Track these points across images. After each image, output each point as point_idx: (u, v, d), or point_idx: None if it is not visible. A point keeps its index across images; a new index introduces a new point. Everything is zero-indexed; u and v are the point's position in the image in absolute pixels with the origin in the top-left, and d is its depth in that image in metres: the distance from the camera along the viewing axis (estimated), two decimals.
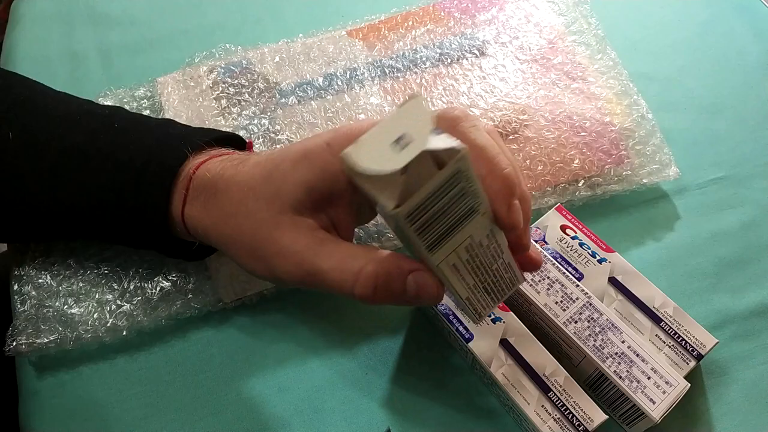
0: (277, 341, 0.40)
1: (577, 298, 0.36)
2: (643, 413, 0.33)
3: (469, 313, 0.31)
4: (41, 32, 0.55)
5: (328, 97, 0.47)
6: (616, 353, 0.35)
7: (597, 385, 0.36)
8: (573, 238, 0.40)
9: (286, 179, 0.31)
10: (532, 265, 0.32)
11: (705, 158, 0.46)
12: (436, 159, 0.23)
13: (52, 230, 0.39)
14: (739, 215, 0.44)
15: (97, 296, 0.40)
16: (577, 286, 0.37)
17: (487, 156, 0.28)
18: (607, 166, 0.44)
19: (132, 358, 0.39)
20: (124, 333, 0.39)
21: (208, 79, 0.48)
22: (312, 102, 0.47)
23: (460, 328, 0.36)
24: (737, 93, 0.49)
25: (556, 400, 0.33)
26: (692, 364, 0.35)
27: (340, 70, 0.49)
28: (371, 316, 0.40)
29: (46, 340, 0.38)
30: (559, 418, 0.33)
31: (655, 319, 0.37)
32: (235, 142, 0.38)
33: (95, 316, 0.39)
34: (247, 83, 0.48)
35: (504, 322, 0.36)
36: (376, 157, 0.22)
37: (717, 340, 0.36)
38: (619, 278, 0.38)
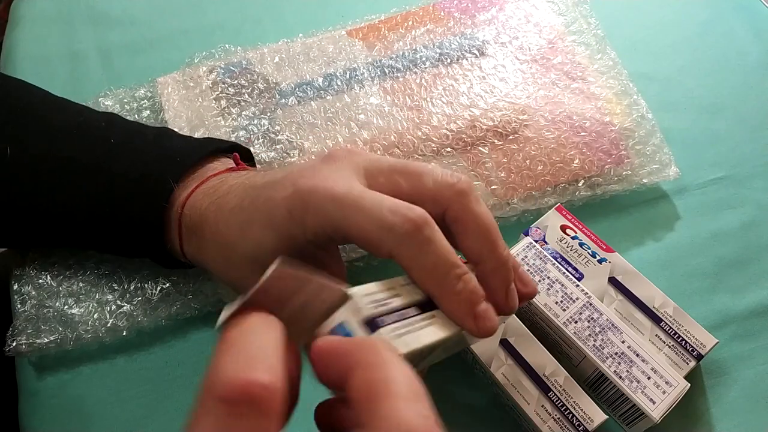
0: None
1: (577, 298, 0.36)
2: (643, 413, 0.33)
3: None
4: (41, 32, 0.55)
5: (328, 98, 0.47)
6: (616, 353, 0.35)
7: (597, 385, 0.36)
8: (573, 238, 0.40)
9: (260, 245, 0.30)
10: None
11: (705, 158, 0.46)
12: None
13: (47, 240, 0.39)
14: (739, 215, 0.44)
15: (97, 296, 0.40)
16: (577, 286, 0.37)
17: (491, 239, 0.29)
18: (607, 166, 0.44)
19: (132, 358, 0.39)
20: (124, 333, 0.39)
21: (208, 80, 0.48)
22: (312, 102, 0.47)
23: None
24: (737, 93, 0.49)
25: (556, 400, 0.33)
26: (692, 364, 0.35)
27: (340, 70, 0.49)
28: None
29: (46, 340, 0.38)
30: (559, 418, 0.33)
31: (655, 319, 0.37)
32: (229, 150, 0.39)
33: (95, 316, 0.39)
34: (246, 83, 0.48)
35: (504, 322, 0.36)
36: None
37: (717, 340, 0.36)
38: (619, 278, 0.38)
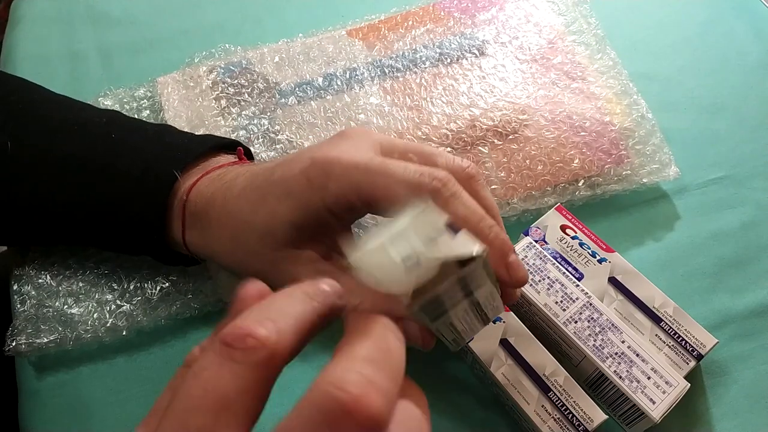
0: None
1: (577, 298, 0.36)
2: (643, 413, 0.33)
3: (447, 344, 0.31)
4: (41, 32, 0.55)
5: (328, 97, 0.47)
6: (616, 353, 0.35)
7: (597, 385, 0.36)
8: (573, 238, 0.40)
9: (274, 216, 0.31)
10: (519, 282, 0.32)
11: (705, 158, 0.46)
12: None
13: (48, 237, 0.39)
14: (739, 215, 0.44)
15: (96, 296, 0.40)
16: (577, 286, 0.37)
17: (498, 221, 0.30)
18: (607, 166, 0.44)
19: (131, 358, 0.39)
20: (124, 333, 0.39)
21: (208, 79, 0.48)
22: (312, 102, 0.47)
23: None
24: (737, 93, 0.49)
25: (556, 400, 0.33)
26: (692, 364, 0.35)
27: (340, 70, 0.49)
28: None
29: (46, 340, 0.38)
30: (559, 418, 0.33)
31: (655, 319, 0.37)
32: (230, 147, 0.39)
33: (95, 316, 0.39)
34: (246, 83, 0.48)
35: (504, 322, 0.36)
36: (386, 273, 0.22)
37: (717, 340, 0.36)
38: (619, 278, 0.38)
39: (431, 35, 0.50)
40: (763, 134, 0.47)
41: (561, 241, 0.40)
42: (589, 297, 0.36)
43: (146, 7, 0.56)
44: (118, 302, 0.39)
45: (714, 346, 0.36)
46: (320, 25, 0.52)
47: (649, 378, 0.34)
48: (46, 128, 0.37)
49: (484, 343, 0.35)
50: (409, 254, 0.22)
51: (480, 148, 0.44)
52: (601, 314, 0.36)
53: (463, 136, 0.45)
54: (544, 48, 0.49)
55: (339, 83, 0.48)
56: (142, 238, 0.36)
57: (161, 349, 0.40)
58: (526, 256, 0.38)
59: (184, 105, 0.47)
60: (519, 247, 0.38)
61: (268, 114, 0.47)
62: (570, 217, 0.41)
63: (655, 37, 0.52)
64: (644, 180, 0.43)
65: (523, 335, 0.35)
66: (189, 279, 0.40)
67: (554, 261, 0.38)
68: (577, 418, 0.33)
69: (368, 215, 0.34)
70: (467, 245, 0.23)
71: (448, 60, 0.49)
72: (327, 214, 0.30)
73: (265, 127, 0.46)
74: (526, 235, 0.40)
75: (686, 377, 0.35)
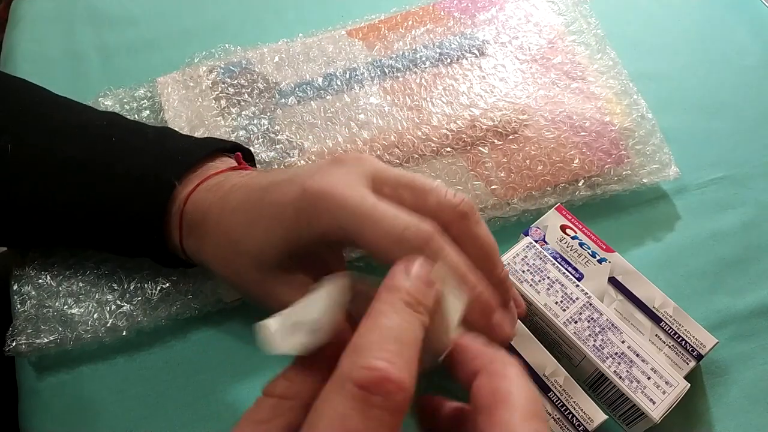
0: None
1: (577, 298, 0.36)
2: (643, 413, 0.33)
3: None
4: (41, 32, 0.55)
5: (328, 97, 0.47)
6: (616, 353, 0.35)
7: (597, 385, 0.36)
8: (573, 238, 0.40)
9: (265, 240, 0.31)
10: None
11: (705, 158, 0.46)
12: None
13: (48, 239, 0.39)
14: (739, 215, 0.44)
15: (97, 296, 0.40)
16: (577, 286, 0.37)
17: (490, 260, 0.30)
18: (607, 166, 0.44)
19: (131, 358, 0.39)
20: (124, 333, 0.39)
21: (208, 79, 0.48)
22: (311, 102, 0.47)
23: None
24: (737, 93, 0.49)
25: (556, 400, 0.33)
26: (692, 364, 0.35)
27: (340, 70, 0.49)
28: None
29: (46, 340, 0.38)
30: (559, 418, 0.33)
31: (655, 319, 0.37)
32: (231, 149, 0.39)
33: (95, 316, 0.39)
34: (246, 83, 0.48)
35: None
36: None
37: (717, 340, 0.36)
38: (619, 278, 0.38)
39: (431, 35, 0.50)
40: (763, 134, 0.47)
41: (561, 241, 0.40)
42: (589, 297, 0.36)
43: (146, 7, 0.56)
44: (119, 302, 0.39)
45: (714, 346, 0.36)
46: (320, 25, 0.52)
47: (649, 378, 0.34)
48: (46, 129, 0.37)
49: None
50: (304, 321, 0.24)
51: (480, 148, 0.44)
52: (601, 314, 0.36)
53: (463, 136, 0.45)
54: (544, 48, 0.49)
55: (339, 83, 0.48)
56: (142, 239, 0.36)
57: (161, 349, 0.40)
58: (526, 256, 0.38)
59: (184, 105, 0.47)
60: (519, 247, 0.38)
61: (268, 114, 0.47)
62: (570, 217, 0.41)
63: (655, 37, 0.52)
64: (644, 180, 0.43)
65: (523, 335, 0.35)
66: (189, 279, 0.40)
67: (554, 261, 0.38)
68: (577, 418, 0.33)
69: None
70: None
71: (448, 60, 0.49)
72: (317, 244, 0.30)
73: (265, 127, 0.46)
74: (526, 235, 0.40)
75: (686, 377, 0.35)
